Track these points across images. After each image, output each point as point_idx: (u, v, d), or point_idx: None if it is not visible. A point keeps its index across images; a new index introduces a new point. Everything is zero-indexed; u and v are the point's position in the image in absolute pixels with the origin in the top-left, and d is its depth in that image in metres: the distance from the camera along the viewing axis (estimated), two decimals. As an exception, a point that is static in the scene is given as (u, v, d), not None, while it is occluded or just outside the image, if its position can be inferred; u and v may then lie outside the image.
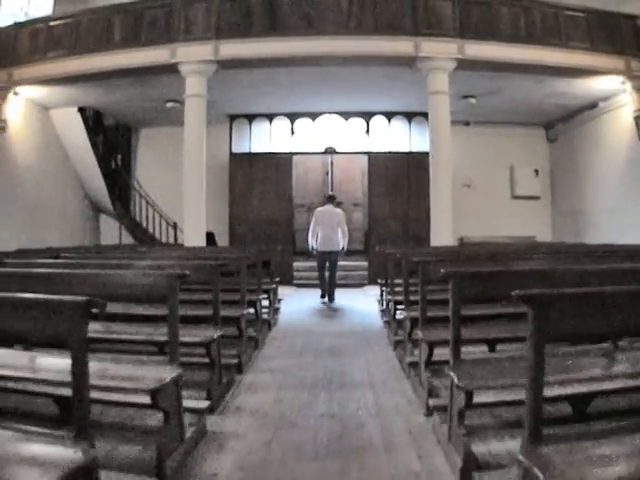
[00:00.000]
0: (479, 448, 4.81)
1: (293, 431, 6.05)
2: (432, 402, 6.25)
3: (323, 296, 17.05)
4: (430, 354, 6.62)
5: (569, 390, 4.78)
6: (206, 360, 6.68)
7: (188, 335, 5.99)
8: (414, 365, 7.69)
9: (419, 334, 6.99)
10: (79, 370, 3.33)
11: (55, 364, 4.69)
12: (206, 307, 7.52)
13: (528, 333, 3.23)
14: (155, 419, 5.29)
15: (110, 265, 7.59)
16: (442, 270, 5.36)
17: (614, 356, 5.33)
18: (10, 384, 4.99)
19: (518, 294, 3.24)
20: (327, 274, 16.88)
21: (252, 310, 10.29)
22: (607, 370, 5.05)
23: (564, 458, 3.03)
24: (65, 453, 3.15)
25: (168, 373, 4.82)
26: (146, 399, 4.73)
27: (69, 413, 4.51)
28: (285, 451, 5.47)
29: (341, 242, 16.76)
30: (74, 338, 3.31)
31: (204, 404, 6.20)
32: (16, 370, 4.77)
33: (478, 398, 5.05)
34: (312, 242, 16.85)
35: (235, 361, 8.24)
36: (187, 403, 5.58)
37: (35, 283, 5.42)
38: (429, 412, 6.28)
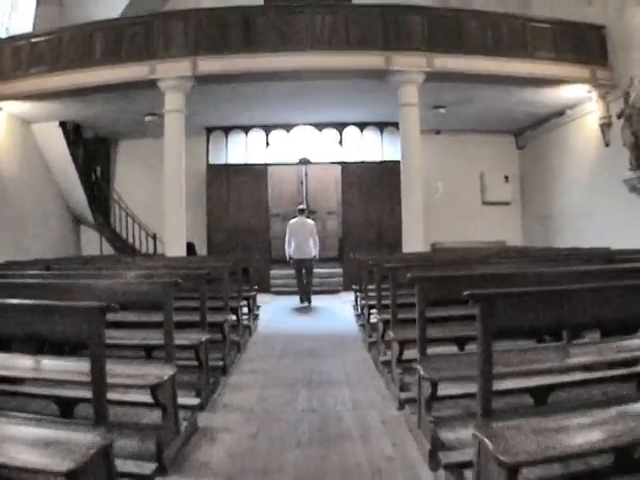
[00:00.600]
0: (447, 435, 5.36)
1: (277, 424, 6.61)
2: (403, 395, 6.85)
3: (302, 300, 18.16)
4: (401, 353, 7.18)
5: (529, 382, 5.24)
6: (194, 363, 7.19)
7: (178, 339, 6.41)
8: (387, 364, 8.27)
9: (390, 334, 7.56)
10: (97, 366, 3.89)
11: (58, 366, 5.08)
12: (191, 313, 7.99)
13: (478, 326, 3.81)
14: (149, 418, 5.81)
15: (103, 275, 8.10)
16: (408, 275, 5.92)
17: (569, 351, 5.80)
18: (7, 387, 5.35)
19: (468, 294, 3.84)
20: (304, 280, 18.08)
21: (234, 316, 10.79)
22: (563, 362, 5.49)
23: (510, 430, 3.60)
24: (86, 438, 3.67)
25: (166, 371, 5.36)
26: (144, 397, 5.28)
27: (70, 412, 4.96)
28: (270, 441, 6.04)
29: (313, 250, 18.08)
30: (93, 338, 3.86)
31: (195, 401, 6.74)
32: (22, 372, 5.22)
33: (445, 391, 5.63)
34: (288, 251, 18.12)
35: (220, 363, 8.79)
36: (180, 401, 6.06)
37: (36, 293, 5.89)
38: (401, 405, 6.84)
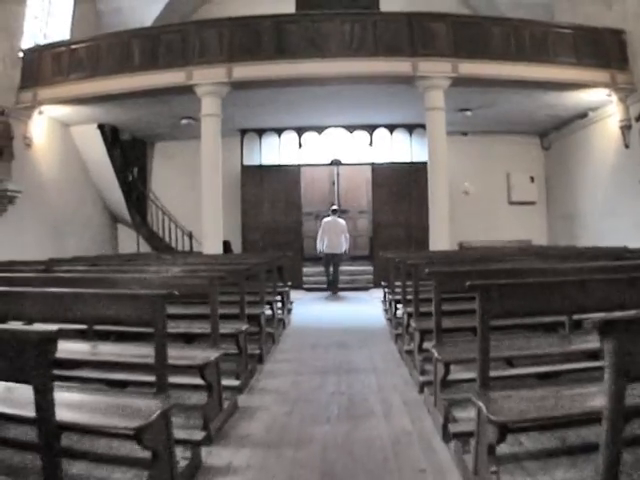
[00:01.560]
0: (459, 413, 6.03)
1: (308, 405, 7.36)
2: (422, 379, 7.56)
3: (329, 288, 20.73)
4: (422, 341, 7.87)
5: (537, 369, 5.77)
6: (234, 351, 7.89)
7: (221, 328, 7.11)
8: (410, 353, 8.98)
9: (412, 325, 8.26)
10: (160, 342, 4.64)
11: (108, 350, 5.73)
12: (230, 306, 8.63)
13: (477, 310, 4.54)
14: (195, 398, 6.49)
15: (151, 270, 8.86)
16: (426, 270, 6.64)
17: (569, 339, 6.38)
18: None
19: (469, 284, 4.58)
20: (332, 270, 20.24)
21: (269, 310, 11.53)
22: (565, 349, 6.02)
23: (504, 397, 4.31)
24: (149, 403, 4.40)
25: (213, 354, 6.12)
26: (190, 380, 6.01)
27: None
28: (303, 418, 6.79)
29: (344, 246, 20.07)
30: (158, 320, 4.61)
31: (235, 383, 7.54)
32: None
33: (459, 375, 6.31)
34: (320, 246, 20.19)
35: (257, 352, 9.53)
36: (222, 383, 6.82)
37: (92, 286, 6.61)
38: (421, 389, 7.55)
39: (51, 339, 2.94)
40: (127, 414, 4.19)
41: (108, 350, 6.39)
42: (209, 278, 6.78)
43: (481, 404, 4.17)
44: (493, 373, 4.81)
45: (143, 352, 5.98)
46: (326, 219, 21.25)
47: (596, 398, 4.02)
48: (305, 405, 7.35)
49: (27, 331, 3.20)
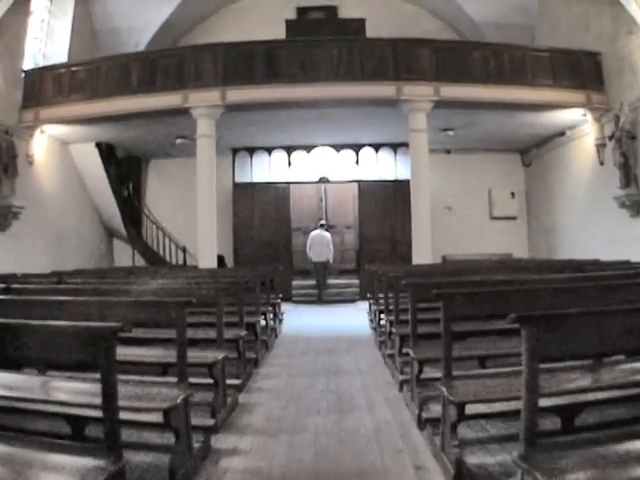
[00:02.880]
0: (432, 407, 6.93)
1: (301, 401, 8.33)
2: (401, 377, 8.51)
3: (319, 294, 22.62)
4: (402, 345, 8.77)
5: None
6: (233, 355, 8.77)
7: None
8: (391, 356, 9.97)
9: (394, 331, 9.20)
10: (182, 341, 5.58)
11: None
12: (228, 315, 9.41)
13: (441, 314, 5.48)
14: (201, 397, 7.33)
15: (159, 282, 9.76)
16: (403, 282, 7.58)
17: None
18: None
19: (435, 292, 5.53)
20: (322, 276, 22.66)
21: (263, 319, 12.43)
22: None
23: (464, 385, 5.25)
24: (174, 391, 5.32)
25: (220, 354, 7.06)
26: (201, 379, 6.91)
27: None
28: (297, 412, 7.76)
29: (329, 255, 21.90)
30: (180, 323, 5.53)
31: (237, 382, 8.51)
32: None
33: (433, 374, 7.21)
34: (310, 255, 21.96)
35: (254, 356, 10.46)
36: (232, 382, 7.90)
37: (115, 295, 7.52)
38: (401, 387, 8.49)
39: (116, 331, 3.80)
40: (156, 400, 5.10)
41: (126, 352, 7.24)
42: (215, 289, 7.72)
43: (444, 389, 5.15)
44: (459, 372, 5.75)
45: (156, 353, 6.90)
46: (313, 232, 22.97)
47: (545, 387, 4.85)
48: (298, 401, 8.31)
49: (101, 326, 4.01)
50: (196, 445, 5.86)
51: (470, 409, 5.39)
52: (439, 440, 5.69)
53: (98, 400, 4.21)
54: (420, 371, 7.07)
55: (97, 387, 4.84)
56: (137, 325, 5.65)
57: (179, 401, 5.06)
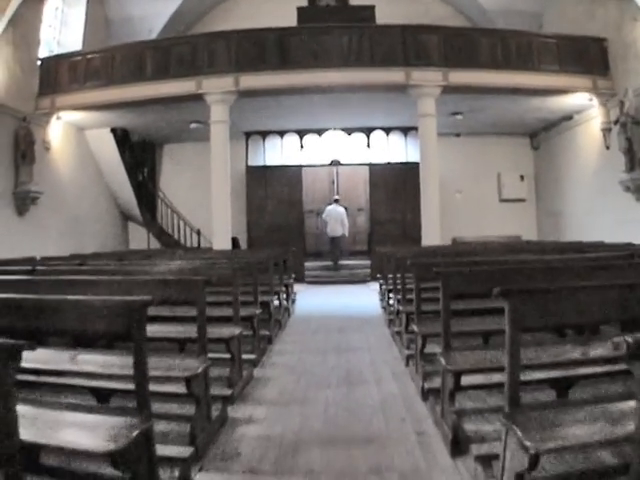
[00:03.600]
0: (436, 379, 7.33)
1: (313, 375, 8.79)
2: (407, 352, 8.97)
3: (334, 264, 23.82)
4: (408, 323, 9.21)
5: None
6: (249, 332, 9.20)
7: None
8: (399, 334, 10.41)
9: (400, 308, 9.66)
10: (202, 315, 6.04)
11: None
12: (243, 295, 9.83)
13: (441, 292, 5.92)
14: (216, 372, 7.77)
15: (177, 264, 10.18)
16: (409, 261, 8.01)
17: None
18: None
19: (435, 271, 5.96)
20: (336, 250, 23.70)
21: (276, 299, 12.88)
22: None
23: (461, 354, 5.68)
24: (194, 362, 5.76)
25: (236, 330, 7.53)
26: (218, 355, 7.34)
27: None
28: (308, 385, 8.21)
29: (344, 229, 22.80)
30: (200, 300, 6.01)
31: (252, 357, 8.95)
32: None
33: (435, 349, 7.63)
34: (327, 229, 23.67)
35: (267, 334, 10.92)
36: (248, 356, 8.44)
37: (136, 274, 7.95)
38: (407, 362, 8.94)
39: (147, 304, 4.24)
40: (178, 369, 5.55)
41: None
42: (232, 269, 8.16)
43: (442, 359, 5.58)
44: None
45: (174, 329, 7.35)
46: (329, 207, 23.74)
47: (524, 358, 5.26)
48: (310, 376, 8.76)
49: (133, 299, 4.41)
50: (214, 414, 6.28)
51: (469, 380, 5.80)
52: (439, 409, 6.14)
53: (122, 371, 4.65)
54: (424, 345, 7.49)
55: (121, 360, 5.36)
56: (161, 303, 6.12)
57: (200, 370, 5.52)
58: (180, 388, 5.63)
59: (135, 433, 3.91)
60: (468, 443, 5.35)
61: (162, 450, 4.61)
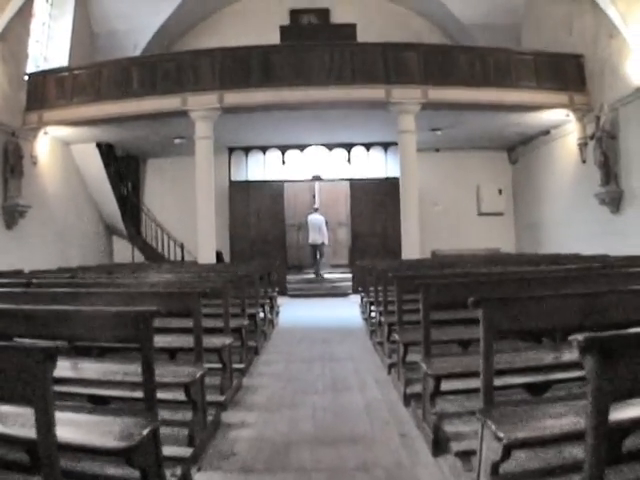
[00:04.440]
0: (417, 386, 7.71)
1: (299, 382, 9.20)
2: (389, 361, 9.40)
3: (315, 274, 24.11)
4: (389, 333, 9.61)
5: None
6: (237, 343, 9.57)
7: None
8: (381, 344, 10.84)
9: (382, 320, 10.06)
10: (198, 325, 6.42)
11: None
12: (231, 307, 10.16)
13: (421, 302, 6.33)
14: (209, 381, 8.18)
15: (166, 277, 10.57)
16: (390, 274, 8.43)
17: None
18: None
19: (416, 283, 6.37)
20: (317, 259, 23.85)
21: (261, 311, 13.24)
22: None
23: (440, 362, 6.09)
24: (189, 369, 6.13)
25: (227, 339, 7.93)
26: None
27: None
28: (295, 391, 8.62)
29: (323, 237, 23.06)
30: (196, 310, 6.39)
31: (240, 366, 9.33)
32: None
33: (415, 358, 8.01)
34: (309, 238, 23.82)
35: (254, 345, 11.32)
36: (237, 365, 8.84)
37: (132, 288, 8.31)
38: (389, 371, 9.35)
39: (154, 314, 4.64)
40: (178, 375, 5.92)
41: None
42: (222, 282, 8.56)
43: (423, 364, 5.99)
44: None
45: (165, 340, 7.71)
46: (310, 216, 23.95)
47: (500, 362, 5.71)
48: (296, 383, 9.18)
49: (143, 309, 4.79)
50: (208, 419, 6.64)
51: (449, 386, 6.21)
52: (421, 412, 6.55)
53: (124, 378, 5.00)
54: (405, 353, 7.89)
55: (120, 368, 5.72)
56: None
57: (198, 377, 5.91)
58: (176, 395, 6.01)
59: (146, 431, 4.27)
60: (448, 443, 5.74)
61: (164, 451, 4.89)
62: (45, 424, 3.24)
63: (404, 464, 5.67)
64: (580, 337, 2.82)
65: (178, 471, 5.16)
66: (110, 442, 4.15)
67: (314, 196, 26.58)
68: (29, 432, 3.45)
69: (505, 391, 6.00)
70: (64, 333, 4.89)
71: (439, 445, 5.86)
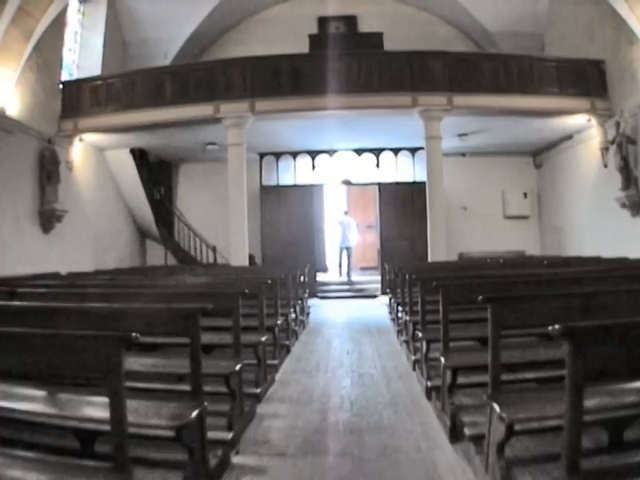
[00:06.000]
0: (438, 380, 8.25)
1: (331, 377, 9.88)
2: (413, 358, 9.95)
3: (341, 274, 24.82)
4: (414, 332, 10.11)
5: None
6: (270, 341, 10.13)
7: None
8: (407, 342, 11.38)
9: (408, 319, 10.59)
10: (237, 323, 6.95)
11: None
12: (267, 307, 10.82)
13: (440, 301, 6.86)
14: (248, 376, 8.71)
15: (204, 279, 11.12)
16: (414, 276, 8.96)
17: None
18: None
19: (435, 284, 6.90)
20: (346, 262, 24.70)
21: (293, 311, 13.82)
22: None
23: (458, 355, 6.61)
24: (231, 363, 6.69)
25: (262, 337, 8.53)
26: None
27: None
28: (325, 386, 9.26)
29: (352, 240, 24.39)
30: (235, 309, 6.93)
31: (274, 362, 9.93)
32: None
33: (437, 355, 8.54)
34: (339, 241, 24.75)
35: (286, 342, 11.98)
36: (271, 362, 9.42)
37: (172, 289, 8.86)
38: (414, 367, 9.92)
39: (202, 309, 5.22)
40: (219, 368, 6.47)
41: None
42: (258, 282, 9.13)
43: (442, 358, 6.53)
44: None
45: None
46: (339, 219, 24.96)
47: (513, 357, 6.26)
48: (328, 377, 9.82)
49: (192, 306, 5.36)
50: (245, 409, 7.19)
51: (467, 379, 6.78)
52: (440, 404, 7.12)
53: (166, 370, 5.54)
54: (428, 350, 8.41)
55: (161, 361, 6.29)
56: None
57: (237, 369, 6.48)
58: (215, 388, 6.56)
59: (195, 413, 4.84)
60: (463, 429, 6.27)
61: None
62: (117, 406, 3.73)
63: (422, 449, 6.25)
64: (557, 326, 3.38)
65: (219, 452, 5.71)
66: (164, 422, 4.72)
67: (344, 200, 26.97)
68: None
69: (518, 385, 6.46)
70: (119, 328, 5.17)
71: (456, 433, 6.41)
